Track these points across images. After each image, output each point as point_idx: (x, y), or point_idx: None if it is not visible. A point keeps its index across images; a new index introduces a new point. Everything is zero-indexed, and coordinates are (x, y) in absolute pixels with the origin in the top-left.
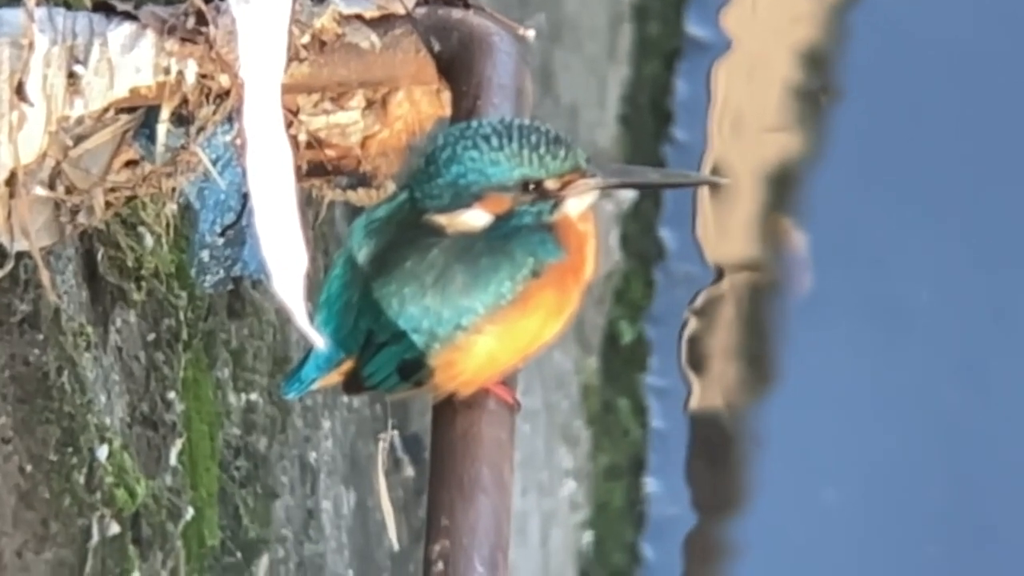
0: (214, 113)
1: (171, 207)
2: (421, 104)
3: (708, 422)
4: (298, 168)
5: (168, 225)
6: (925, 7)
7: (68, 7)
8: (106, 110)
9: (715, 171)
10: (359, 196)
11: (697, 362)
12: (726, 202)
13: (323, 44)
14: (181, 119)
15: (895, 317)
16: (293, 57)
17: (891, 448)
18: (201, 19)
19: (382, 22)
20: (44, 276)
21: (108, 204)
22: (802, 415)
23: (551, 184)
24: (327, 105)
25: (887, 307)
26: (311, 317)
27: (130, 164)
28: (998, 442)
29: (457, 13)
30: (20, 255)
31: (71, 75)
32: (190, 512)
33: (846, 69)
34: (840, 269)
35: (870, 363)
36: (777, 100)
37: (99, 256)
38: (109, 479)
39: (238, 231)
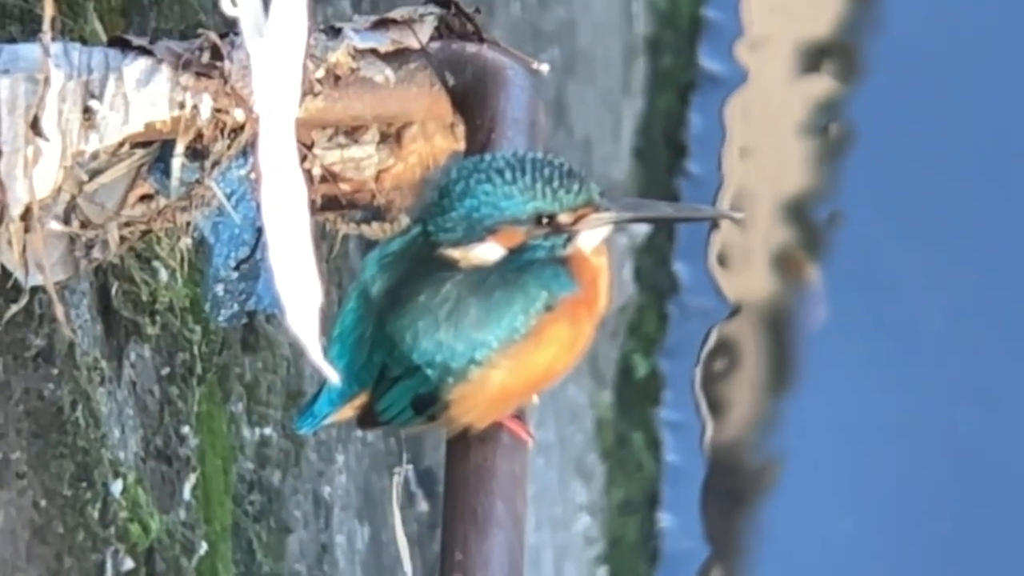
0: (229, 147)
1: (185, 241)
2: (435, 138)
3: (723, 455)
4: (312, 202)
5: (182, 259)
6: (941, 37)
7: (84, 42)
8: (121, 145)
9: (730, 205)
10: (373, 230)
11: (712, 395)
12: (741, 235)
13: (337, 78)
14: (196, 153)
15: (909, 344)
16: (307, 91)
17: (907, 476)
18: (216, 54)
19: (396, 56)
20: (58, 310)
21: (123, 238)
22: (817, 445)
23: (564, 218)
24: (341, 139)
25: (901, 334)
26: (325, 351)
27: (145, 198)
28: (1013, 468)
29: (471, 47)
30: (35, 290)
31: (86, 110)
32: (204, 547)
33: (861, 101)
34: (854, 297)
35: (885, 391)
36: (791, 134)
37: (113, 290)
38: (123, 514)
39: (252, 265)
